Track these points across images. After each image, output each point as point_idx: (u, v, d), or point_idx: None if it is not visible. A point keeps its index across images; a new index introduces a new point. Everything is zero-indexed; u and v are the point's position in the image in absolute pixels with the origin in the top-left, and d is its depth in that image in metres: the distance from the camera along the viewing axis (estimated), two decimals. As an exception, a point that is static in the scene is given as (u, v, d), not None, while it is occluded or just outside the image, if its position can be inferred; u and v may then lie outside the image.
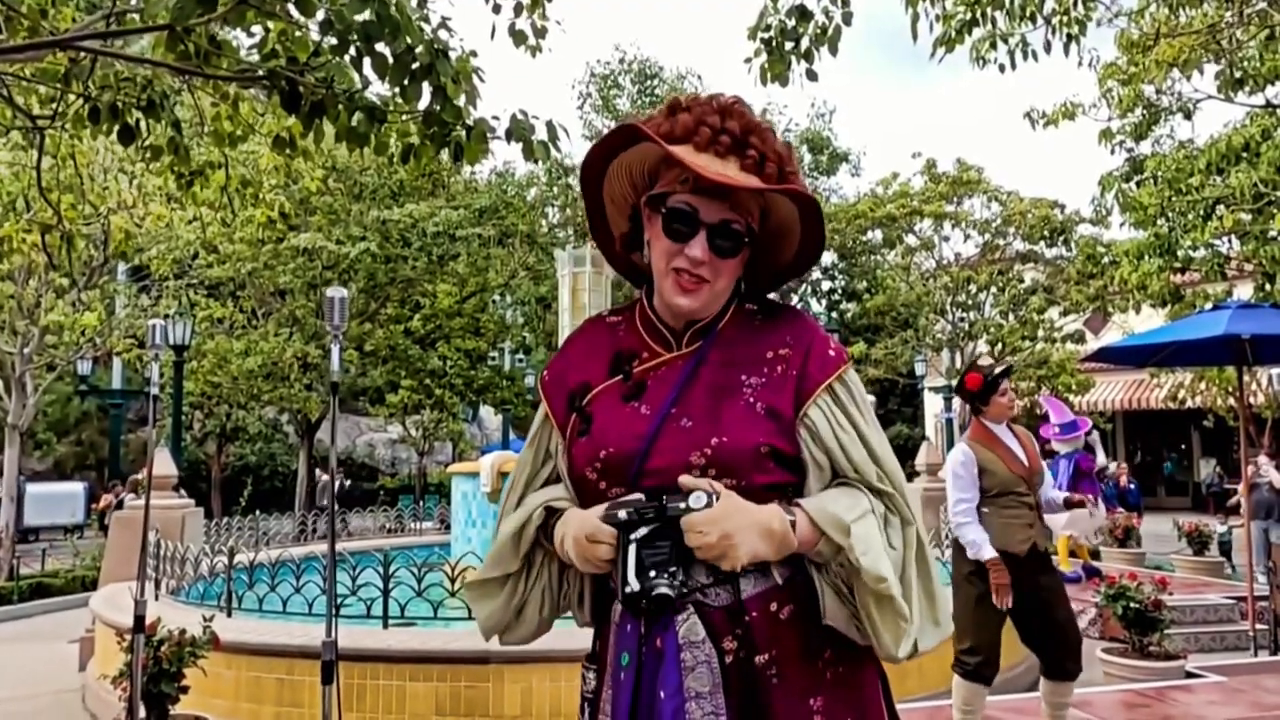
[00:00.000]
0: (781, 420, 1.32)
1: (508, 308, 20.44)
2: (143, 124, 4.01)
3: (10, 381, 12.36)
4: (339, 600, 4.85)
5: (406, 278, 16.47)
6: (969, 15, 5.19)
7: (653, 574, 1.21)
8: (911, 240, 20.53)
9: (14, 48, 3.55)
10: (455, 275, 17.36)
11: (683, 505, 1.23)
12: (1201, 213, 10.19)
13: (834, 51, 4.31)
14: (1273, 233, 9.62)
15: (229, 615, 5.59)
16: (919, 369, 22.74)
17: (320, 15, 3.16)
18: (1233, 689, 5.49)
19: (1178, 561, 10.76)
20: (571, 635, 1.58)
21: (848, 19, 4.24)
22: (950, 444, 20.84)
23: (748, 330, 1.41)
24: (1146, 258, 10.81)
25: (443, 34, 3.36)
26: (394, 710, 4.68)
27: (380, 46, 3.17)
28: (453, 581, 5.28)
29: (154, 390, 4.39)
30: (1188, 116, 10.86)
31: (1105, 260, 14.12)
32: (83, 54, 3.67)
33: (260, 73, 3.33)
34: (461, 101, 3.41)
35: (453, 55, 3.36)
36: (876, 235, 21.31)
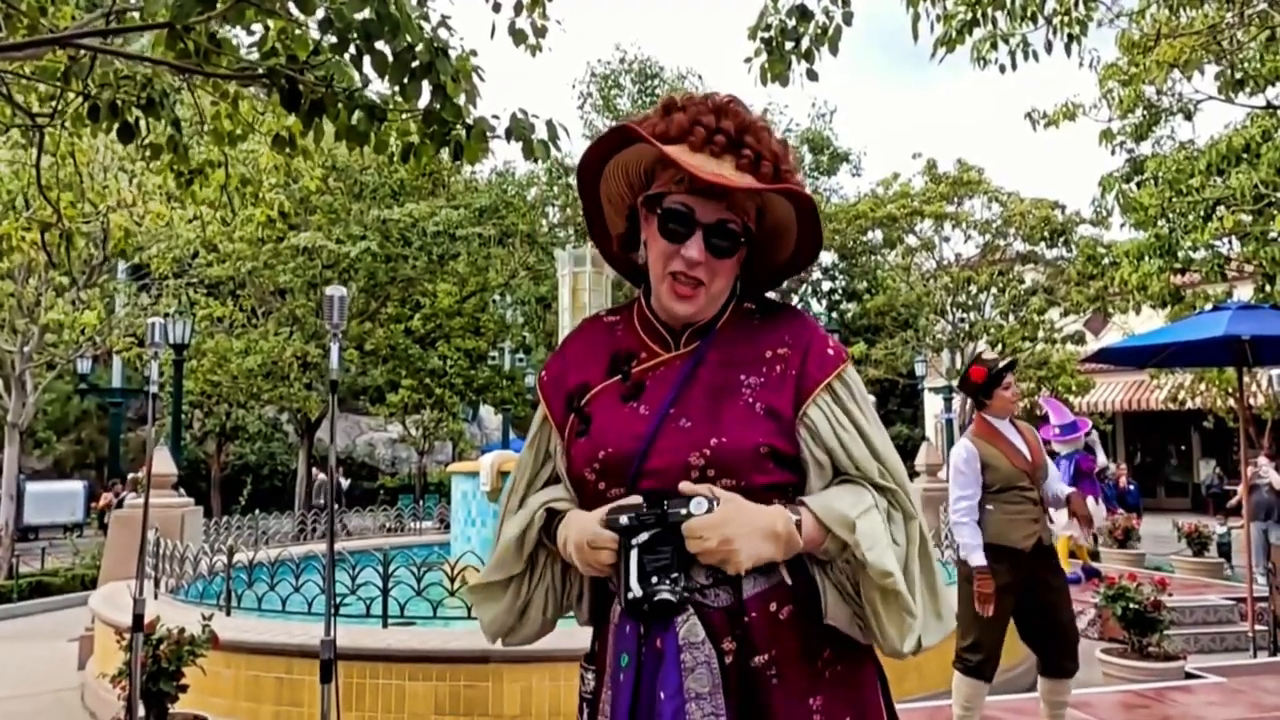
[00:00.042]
0: (781, 420, 1.32)
1: (508, 307, 20.43)
2: (142, 122, 4.01)
3: (10, 380, 12.36)
4: (338, 599, 4.84)
5: (407, 277, 16.47)
6: (970, 15, 5.18)
7: (655, 580, 1.21)
8: (912, 240, 20.53)
9: (13, 45, 3.54)
10: (455, 275, 17.36)
11: (684, 511, 1.23)
12: (1202, 214, 10.18)
13: (834, 51, 4.30)
14: (1273, 234, 9.61)
15: (228, 614, 5.58)
16: (919, 369, 22.74)
17: (320, 13, 3.15)
18: (1232, 690, 5.49)
19: (1177, 562, 10.76)
20: (571, 635, 1.58)
21: (848, 19, 4.24)
22: (950, 444, 20.84)
23: (746, 330, 1.41)
24: (1147, 259, 10.80)
25: (442, 32, 3.35)
26: (393, 710, 4.68)
27: (380, 45, 3.16)
28: (452, 581, 5.28)
29: (154, 389, 4.39)
30: (1188, 117, 10.86)
31: (1105, 261, 14.12)
32: (82, 52, 3.67)
33: (260, 71, 3.33)
34: (461, 100, 3.40)
35: (453, 54, 3.35)
36: (877, 235, 21.31)
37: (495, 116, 3.57)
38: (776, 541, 1.24)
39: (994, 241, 19.27)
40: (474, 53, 3.51)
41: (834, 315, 28.94)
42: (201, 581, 6.53)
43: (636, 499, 1.28)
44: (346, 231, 15.23)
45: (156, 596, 6.25)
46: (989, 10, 5.18)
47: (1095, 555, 10.35)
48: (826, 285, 29.38)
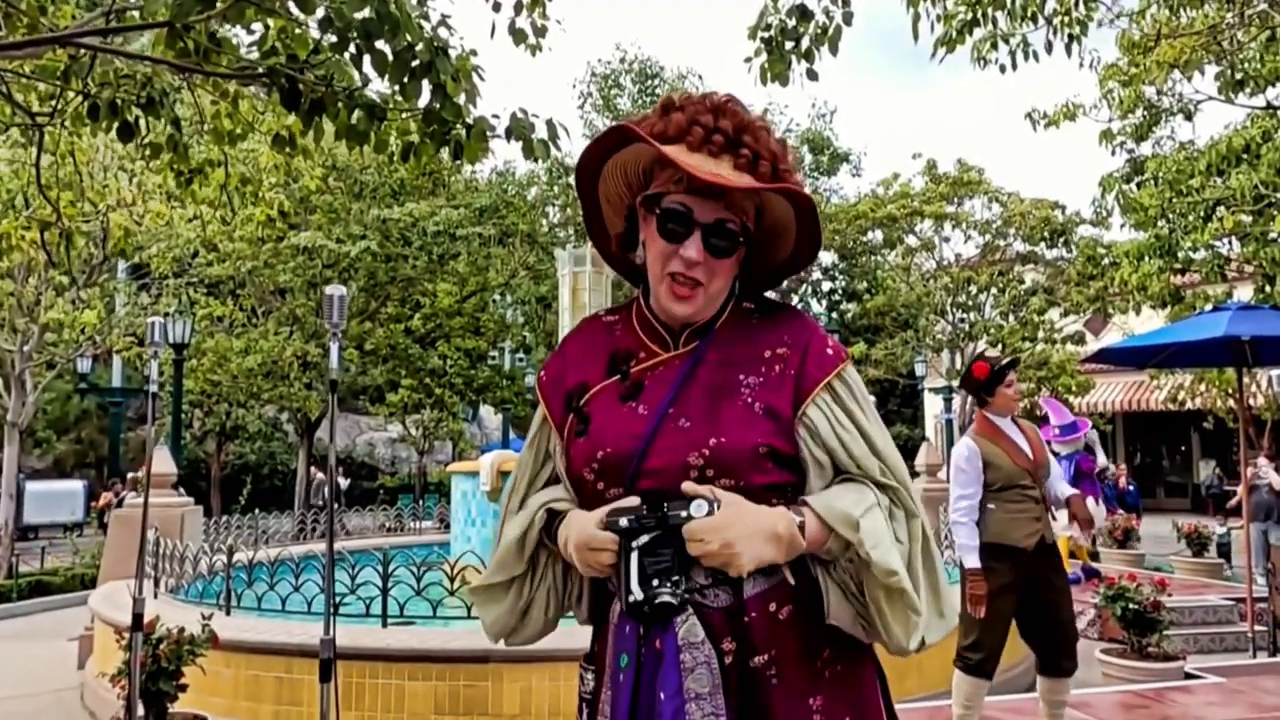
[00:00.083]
0: (780, 420, 1.32)
1: (508, 307, 20.43)
2: (142, 121, 4.00)
3: (10, 379, 12.35)
4: (338, 599, 4.84)
5: (407, 277, 16.46)
6: (970, 15, 5.18)
7: (655, 583, 1.21)
8: (912, 241, 20.53)
9: (13, 44, 3.54)
10: (455, 274, 17.36)
11: (684, 513, 1.22)
12: (1202, 214, 10.18)
13: (834, 51, 4.30)
14: (1273, 234, 9.61)
15: (228, 614, 5.58)
16: (919, 370, 22.74)
17: (320, 13, 3.15)
18: (1231, 690, 5.49)
19: (1177, 563, 10.76)
20: (571, 634, 1.58)
21: (848, 19, 4.24)
22: (950, 444, 20.84)
23: (745, 329, 1.41)
24: (1147, 259, 10.80)
25: (442, 32, 3.35)
26: (393, 709, 4.68)
27: (380, 44, 3.16)
28: (452, 581, 5.28)
29: (153, 388, 4.39)
30: (1188, 118, 10.85)
31: (1105, 261, 14.11)
32: (82, 51, 3.67)
33: (260, 70, 3.33)
34: (461, 100, 3.40)
35: (453, 53, 3.35)
36: (877, 236, 21.30)
37: (495, 116, 3.58)
38: (778, 543, 1.24)
39: (994, 242, 19.27)
40: (474, 52, 3.51)
41: (834, 315, 28.94)
42: (201, 581, 6.53)
43: (635, 500, 1.27)
44: (346, 231, 15.23)
45: (156, 596, 6.24)
46: (989, 10, 5.18)
47: (1095, 555, 10.35)
48: (826, 285, 29.39)
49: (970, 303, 19.33)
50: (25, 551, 13.03)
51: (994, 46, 5.35)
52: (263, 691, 4.93)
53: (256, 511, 10.28)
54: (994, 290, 18.95)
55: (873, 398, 1.42)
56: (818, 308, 29.15)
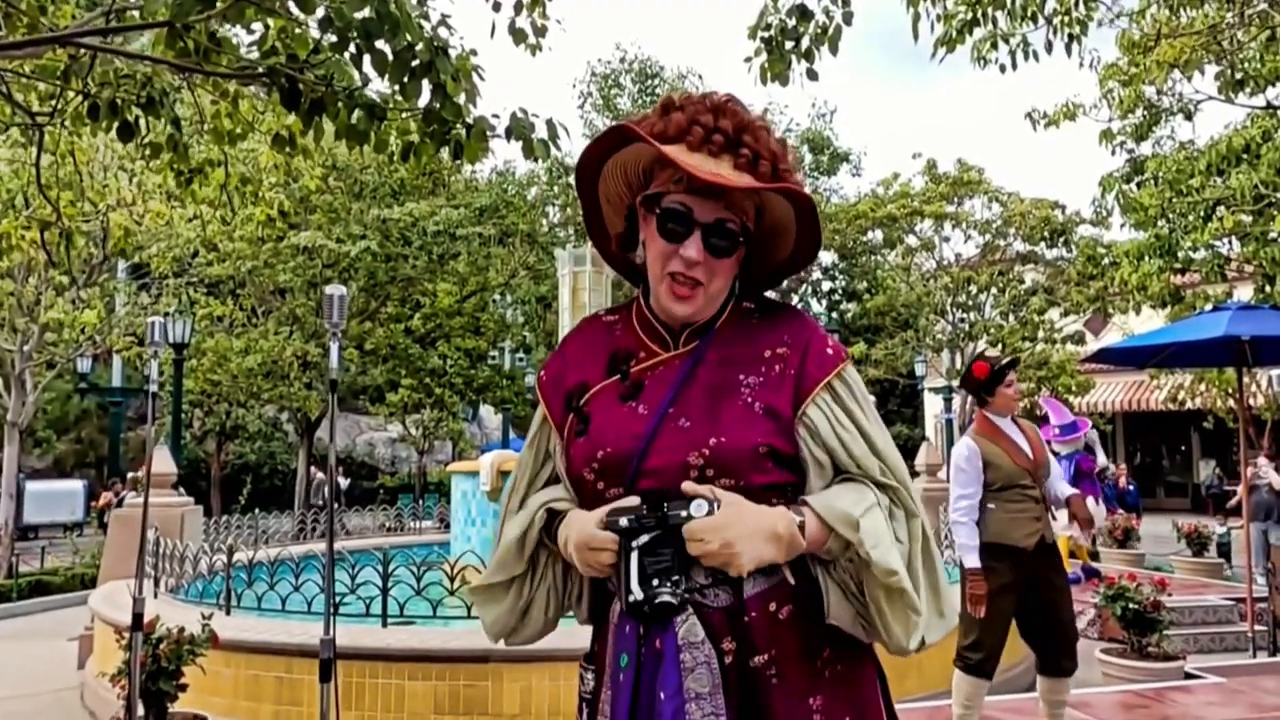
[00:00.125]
0: (780, 420, 1.32)
1: (508, 307, 20.43)
2: (142, 121, 4.01)
3: (10, 379, 12.35)
4: (338, 599, 4.84)
5: (407, 276, 16.46)
6: (970, 15, 5.18)
7: (656, 583, 1.21)
8: (912, 241, 20.53)
9: (13, 44, 3.54)
10: (455, 274, 17.36)
11: (684, 513, 1.22)
12: (1202, 214, 10.18)
13: (834, 51, 4.30)
14: (1273, 234, 9.61)
15: (228, 613, 5.58)
16: (919, 369, 22.74)
17: (320, 12, 3.15)
18: (1231, 690, 5.49)
19: (1177, 563, 10.76)
20: (571, 634, 1.58)
21: (848, 19, 4.24)
22: (950, 444, 20.84)
23: (745, 329, 1.41)
24: (1147, 259, 10.80)
25: (442, 31, 3.35)
26: (393, 709, 4.68)
27: (380, 44, 3.16)
28: (452, 580, 5.28)
29: (153, 388, 4.39)
30: (1188, 117, 10.85)
31: (1105, 261, 14.11)
32: (82, 51, 3.67)
33: (260, 70, 3.33)
34: (461, 99, 3.40)
35: (453, 53, 3.35)
36: (877, 235, 21.30)
37: (495, 116, 3.58)
38: (778, 544, 1.24)
39: (994, 241, 19.27)
40: (474, 52, 3.52)
41: (834, 315, 28.94)
42: (201, 581, 6.53)
43: (635, 500, 1.27)
44: (346, 231, 15.23)
45: (156, 596, 6.24)
46: (989, 10, 5.18)
47: (1095, 555, 10.36)
48: (826, 285, 29.40)
49: (970, 303, 19.33)
50: (25, 551, 13.03)
51: (994, 46, 5.35)
52: (263, 691, 4.93)
53: (256, 511, 10.29)
54: (994, 290, 18.95)
55: (872, 398, 1.42)
56: (818, 307, 29.16)
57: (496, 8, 4.33)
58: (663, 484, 1.28)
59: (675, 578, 1.22)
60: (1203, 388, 15.50)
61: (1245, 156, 9.65)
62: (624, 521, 1.25)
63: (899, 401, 29.15)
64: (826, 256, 26.54)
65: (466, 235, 15.99)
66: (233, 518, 9.77)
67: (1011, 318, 18.81)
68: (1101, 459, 10.25)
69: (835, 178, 27.69)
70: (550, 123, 3.56)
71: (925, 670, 5.11)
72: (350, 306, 13.01)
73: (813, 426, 1.32)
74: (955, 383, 20.04)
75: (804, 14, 4.28)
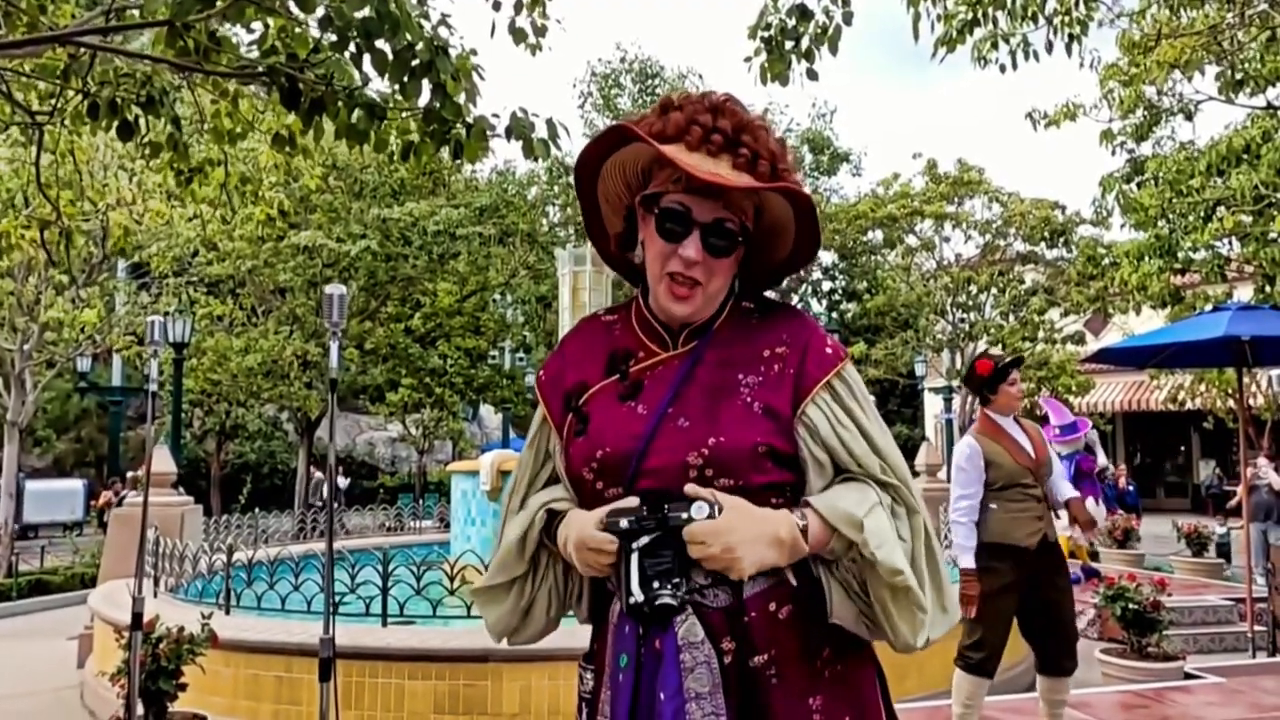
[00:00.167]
0: (779, 419, 1.32)
1: (508, 306, 20.44)
2: (142, 120, 4.01)
3: (10, 378, 12.35)
4: (338, 598, 4.84)
5: (407, 276, 16.47)
6: (970, 15, 5.18)
7: (656, 585, 1.21)
8: (912, 241, 20.53)
9: (13, 43, 3.54)
10: (456, 274, 17.36)
11: (684, 515, 1.22)
12: (1202, 214, 10.18)
13: (834, 51, 4.30)
14: (1273, 235, 9.61)
15: (227, 613, 5.58)
16: (919, 369, 22.73)
17: (320, 12, 3.15)
18: (1231, 690, 5.49)
19: (1177, 563, 10.77)
20: (570, 634, 1.58)
21: (848, 18, 4.24)
22: (950, 444, 20.84)
23: (744, 329, 1.40)
24: (1147, 259, 10.81)
25: (442, 31, 3.35)
26: (392, 708, 4.68)
27: (380, 43, 3.16)
28: (452, 580, 5.28)
29: (153, 387, 4.39)
30: (1189, 118, 10.85)
31: (1106, 261, 14.11)
32: (82, 50, 3.66)
33: (260, 69, 3.33)
34: (461, 99, 3.40)
35: (453, 52, 3.35)
36: (877, 235, 21.30)
37: (495, 115, 3.58)
38: (780, 548, 1.24)
39: (994, 242, 19.28)
40: (474, 51, 3.52)
41: (834, 315, 28.94)
42: (201, 580, 6.53)
43: (635, 500, 1.27)
44: (346, 230, 15.23)
45: (156, 595, 6.24)
46: (989, 10, 5.18)
47: (1095, 555, 10.36)
48: (826, 285, 29.40)
49: (970, 303, 19.34)
50: (25, 550, 13.03)
51: (994, 46, 5.35)
52: (262, 691, 4.93)
53: (256, 511, 10.29)
54: (994, 290, 18.95)
55: (872, 398, 1.42)
56: (818, 307, 29.16)
57: (496, 7, 4.33)
58: (662, 484, 1.27)
59: (676, 580, 1.22)
60: (1203, 388, 15.50)
61: (1245, 157, 9.65)
62: (624, 523, 1.25)
63: (899, 401, 29.15)
64: (827, 256, 26.54)
65: (467, 235, 15.99)
66: (232, 517, 9.77)
67: (1011, 318, 18.81)
68: (1102, 459, 10.25)
69: (835, 178, 27.69)
70: (550, 122, 3.56)
71: (925, 670, 5.11)
72: (350, 306, 13.01)
73: (812, 426, 1.32)
74: (955, 383, 20.05)
75: (804, 14, 4.28)
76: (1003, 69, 5.30)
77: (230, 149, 4.84)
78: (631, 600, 1.22)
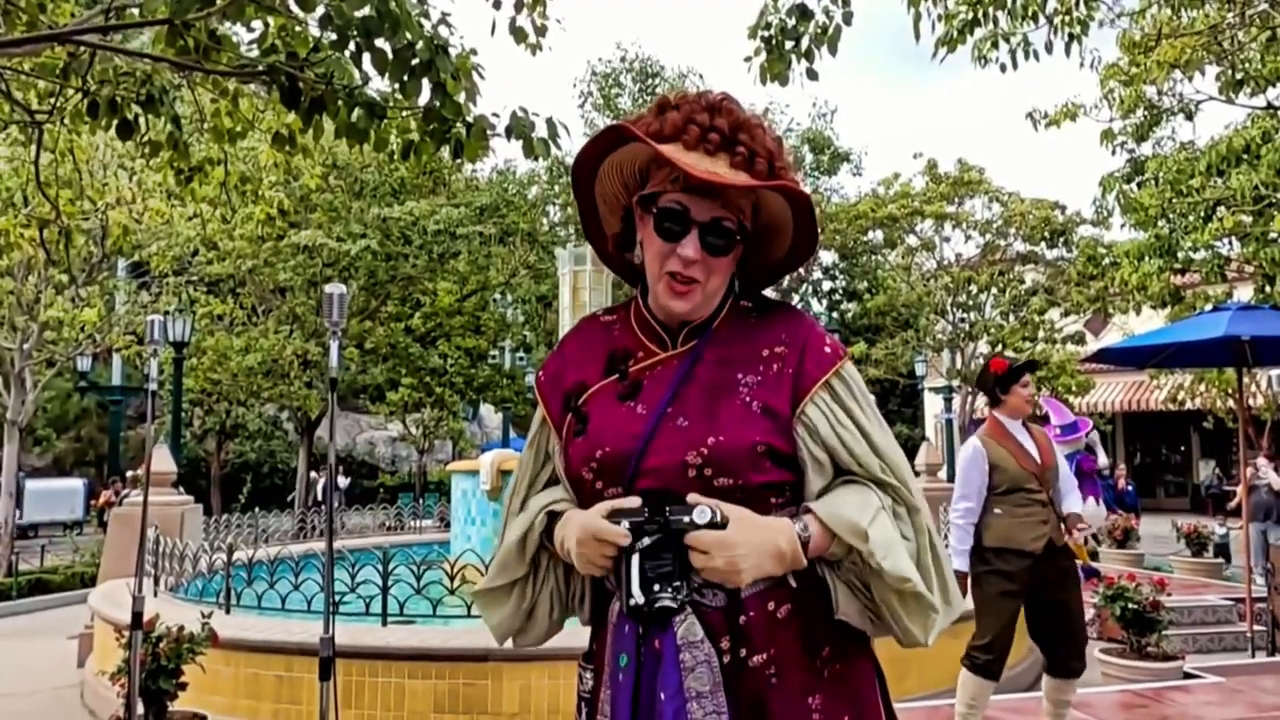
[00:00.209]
0: (778, 419, 1.31)
1: (508, 306, 20.44)
2: (142, 119, 4.01)
3: (10, 377, 12.35)
4: (338, 598, 4.84)
5: (407, 275, 16.47)
6: (971, 15, 5.18)
7: (657, 587, 1.21)
8: (912, 240, 20.53)
9: (13, 41, 3.54)
10: (456, 273, 17.36)
11: (686, 519, 1.22)
12: (1202, 214, 10.18)
13: (834, 51, 4.30)
14: (1273, 235, 9.61)
15: (227, 612, 5.58)
16: (919, 369, 22.74)
17: (320, 11, 3.16)
18: (1230, 690, 5.49)
19: (1176, 563, 10.76)
20: (570, 633, 1.58)
21: (848, 18, 4.24)
22: (950, 444, 20.86)
23: (743, 328, 1.40)
24: (1147, 259, 10.80)
25: (442, 30, 3.35)
26: (392, 708, 4.68)
27: (380, 42, 3.16)
28: (452, 579, 5.28)
29: (153, 387, 4.39)
30: (1189, 118, 10.85)
31: (1106, 261, 14.10)
32: (82, 48, 3.66)
33: (260, 68, 3.33)
34: (461, 98, 3.40)
35: (453, 52, 3.35)
36: (877, 235, 21.30)
37: (495, 115, 3.58)
38: (780, 560, 1.25)
39: (994, 241, 19.28)
40: (474, 51, 3.52)
41: (834, 315, 28.95)
42: (201, 579, 6.53)
43: (636, 500, 1.27)
44: (347, 229, 15.23)
45: (156, 594, 6.25)
46: (990, 10, 5.17)
47: (1094, 555, 10.36)
48: (827, 285, 29.41)
49: (970, 303, 19.34)
50: (25, 549, 13.03)
51: (995, 46, 5.35)
52: (262, 690, 4.93)
53: (256, 510, 10.29)
54: (994, 290, 18.95)
55: (872, 397, 1.42)
56: (818, 307, 29.17)
57: (497, 6, 4.33)
58: (661, 483, 1.27)
59: (676, 583, 1.22)
60: (1202, 388, 15.51)
61: (1245, 157, 9.65)
62: (626, 524, 1.25)
63: (899, 401, 29.16)
64: (827, 256, 26.54)
65: (467, 234, 15.99)
66: (232, 516, 9.78)
67: (1012, 318, 18.81)
68: (1103, 459, 10.25)
69: (835, 177, 27.69)
70: (550, 122, 3.56)
71: (925, 670, 5.11)
72: (350, 305, 13.01)
73: (811, 425, 1.32)
74: (956, 382, 20.05)
75: (804, 14, 4.27)
76: (1003, 69, 5.30)
77: (230, 148, 4.83)
78: (632, 602, 1.22)
